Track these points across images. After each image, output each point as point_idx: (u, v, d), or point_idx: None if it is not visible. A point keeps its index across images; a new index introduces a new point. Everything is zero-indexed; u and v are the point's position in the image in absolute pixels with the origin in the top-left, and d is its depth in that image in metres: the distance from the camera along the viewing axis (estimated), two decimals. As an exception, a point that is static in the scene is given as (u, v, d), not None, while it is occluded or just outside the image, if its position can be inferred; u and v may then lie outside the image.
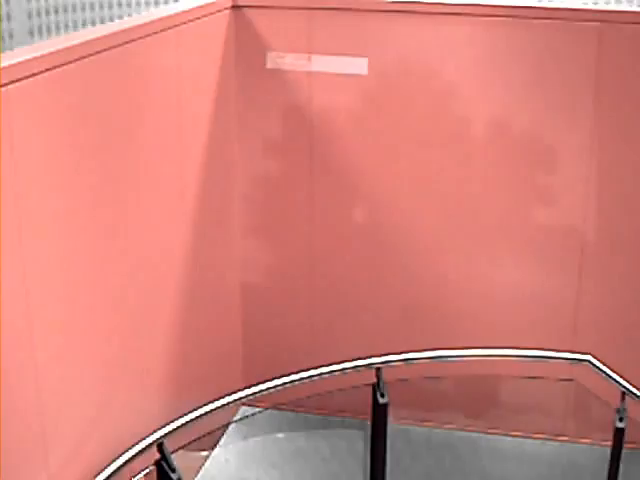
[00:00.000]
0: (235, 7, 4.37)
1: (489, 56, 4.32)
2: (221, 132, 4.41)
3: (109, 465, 3.28)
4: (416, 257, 4.65)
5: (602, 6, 7.82)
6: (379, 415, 3.94)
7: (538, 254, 4.56)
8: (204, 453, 4.53)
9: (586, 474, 4.61)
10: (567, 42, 4.22)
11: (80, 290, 3.25)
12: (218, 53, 4.29)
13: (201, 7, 4.08)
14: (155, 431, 3.41)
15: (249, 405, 4.48)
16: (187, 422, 3.53)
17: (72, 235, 3.16)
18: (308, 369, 3.94)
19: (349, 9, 4.32)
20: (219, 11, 4.27)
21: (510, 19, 4.24)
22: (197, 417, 3.56)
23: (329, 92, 4.45)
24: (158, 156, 3.80)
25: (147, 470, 3.40)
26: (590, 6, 4.54)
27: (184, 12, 3.92)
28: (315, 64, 4.40)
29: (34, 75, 2.84)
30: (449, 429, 4.87)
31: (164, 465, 3.33)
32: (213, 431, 3.97)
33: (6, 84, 2.71)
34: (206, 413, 3.60)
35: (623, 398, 3.98)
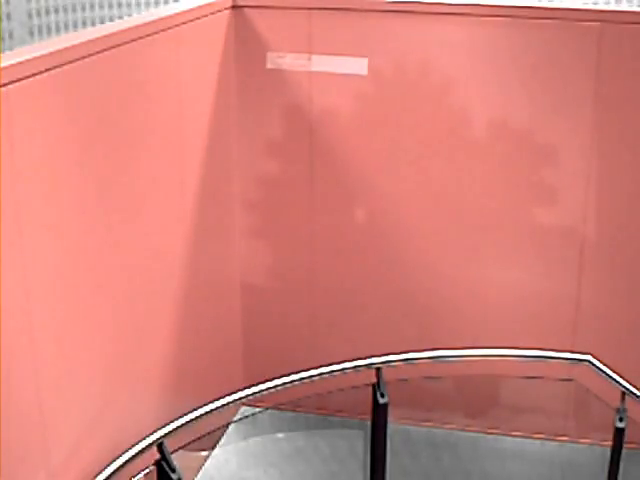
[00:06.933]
0: (235, 7, 4.37)
1: (489, 56, 4.32)
2: (221, 132, 4.41)
3: (109, 465, 3.28)
4: (416, 257, 4.65)
5: (602, 6, 7.81)
6: (379, 415, 3.94)
7: (538, 254, 4.56)
8: (204, 453, 4.53)
9: (586, 474, 4.61)
10: (567, 42, 4.22)
11: (80, 290, 3.25)
12: (218, 53, 4.29)
13: (201, 7, 4.08)
14: (155, 431, 3.41)
15: (249, 405, 4.47)
16: (187, 422, 3.53)
17: (72, 235, 3.16)
18: (308, 369, 3.94)
19: (349, 9, 4.32)
20: (219, 11, 4.27)
21: (510, 19, 4.24)
22: (197, 417, 3.56)
23: (329, 92, 4.45)
24: (158, 156, 3.80)
25: (147, 470, 3.40)
26: (590, 6, 4.54)
27: (184, 12, 3.92)
28: (315, 64, 4.40)
29: (34, 75, 2.84)
30: (449, 429, 4.87)
31: (164, 465, 3.33)
32: (213, 431, 3.96)
33: (6, 84, 2.70)
34: (206, 413, 3.59)
35: (623, 398, 3.98)
